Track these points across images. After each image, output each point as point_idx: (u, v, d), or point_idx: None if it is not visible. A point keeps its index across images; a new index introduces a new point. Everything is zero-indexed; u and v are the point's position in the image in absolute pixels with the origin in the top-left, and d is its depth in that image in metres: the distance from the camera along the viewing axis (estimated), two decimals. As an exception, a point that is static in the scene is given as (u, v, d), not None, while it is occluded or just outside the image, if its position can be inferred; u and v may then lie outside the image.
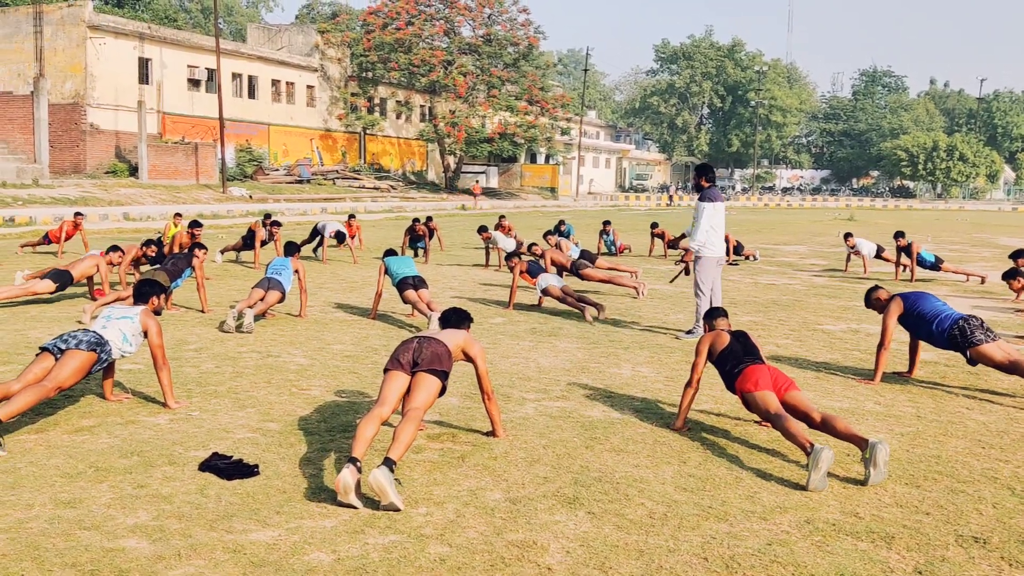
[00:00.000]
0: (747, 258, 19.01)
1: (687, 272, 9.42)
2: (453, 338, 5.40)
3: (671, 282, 11.00)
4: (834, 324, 10.66)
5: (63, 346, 5.73)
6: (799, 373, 7.77)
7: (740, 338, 5.92)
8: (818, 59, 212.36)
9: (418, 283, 10.06)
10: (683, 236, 19.17)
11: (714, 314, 6.34)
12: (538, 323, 10.26)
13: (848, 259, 17.43)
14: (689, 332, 9.46)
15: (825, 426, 5.20)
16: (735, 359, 5.73)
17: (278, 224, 16.36)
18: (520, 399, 6.64)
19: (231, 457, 5.05)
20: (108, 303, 9.59)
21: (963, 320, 7.13)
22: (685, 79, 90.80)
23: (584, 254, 14.89)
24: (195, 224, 14.02)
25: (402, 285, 10.03)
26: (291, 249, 10.70)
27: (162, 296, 6.67)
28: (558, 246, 15.60)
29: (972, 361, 7.14)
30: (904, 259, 15.84)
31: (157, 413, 6.05)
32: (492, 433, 5.66)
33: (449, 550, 3.92)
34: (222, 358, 7.92)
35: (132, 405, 6.23)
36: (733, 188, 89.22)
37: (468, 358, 5.52)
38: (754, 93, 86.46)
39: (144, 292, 6.49)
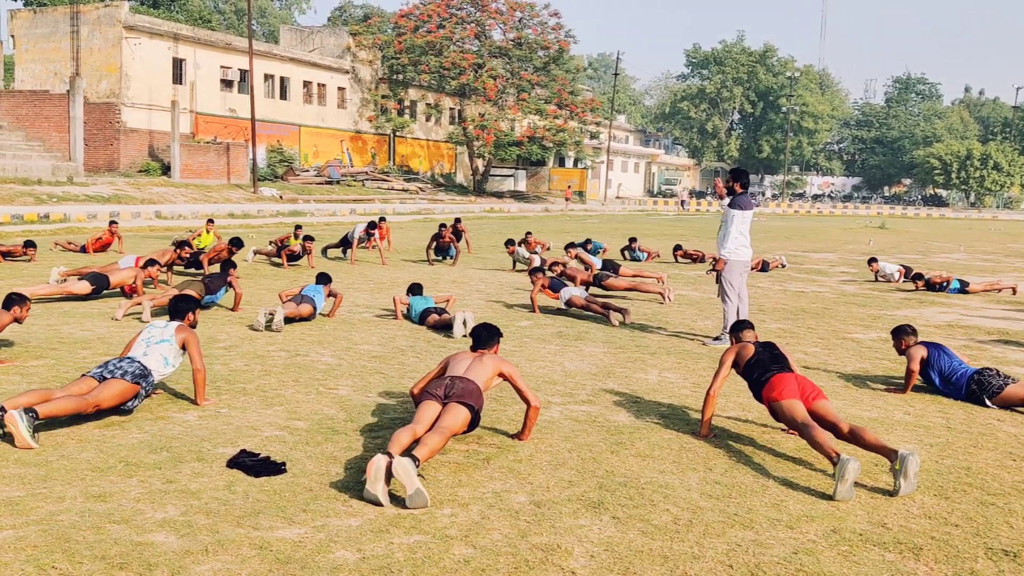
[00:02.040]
0: (776, 267, 18.84)
1: (721, 278, 9.38)
2: (483, 371, 5.52)
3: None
4: (863, 333, 10.56)
5: (108, 375, 5.81)
6: (828, 382, 7.71)
7: (768, 348, 5.89)
8: (851, 65, 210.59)
9: (440, 312, 10.07)
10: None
11: (740, 326, 6.34)
12: (565, 327, 10.26)
13: (876, 280, 17.11)
14: (717, 339, 9.42)
15: (853, 437, 5.16)
16: (762, 368, 5.70)
17: (311, 239, 16.24)
18: (546, 403, 6.64)
19: (259, 454, 5.10)
20: (139, 303, 9.72)
21: (977, 374, 7.13)
22: (716, 84, 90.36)
23: (607, 264, 14.85)
24: (235, 243, 13.92)
25: (424, 315, 10.04)
26: (324, 279, 10.66)
27: (198, 311, 6.78)
28: (577, 257, 15.59)
29: (1001, 407, 7.06)
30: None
31: (187, 410, 6.12)
32: (518, 436, 5.68)
33: (473, 552, 3.93)
34: (251, 356, 7.98)
35: (162, 401, 6.30)
36: (763, 194, 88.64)
37: (508, 381, 5.67)
38: (785, 99, 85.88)
39: (181, 309, 6.61)
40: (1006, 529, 4.39)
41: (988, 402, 7.00)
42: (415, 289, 10.67)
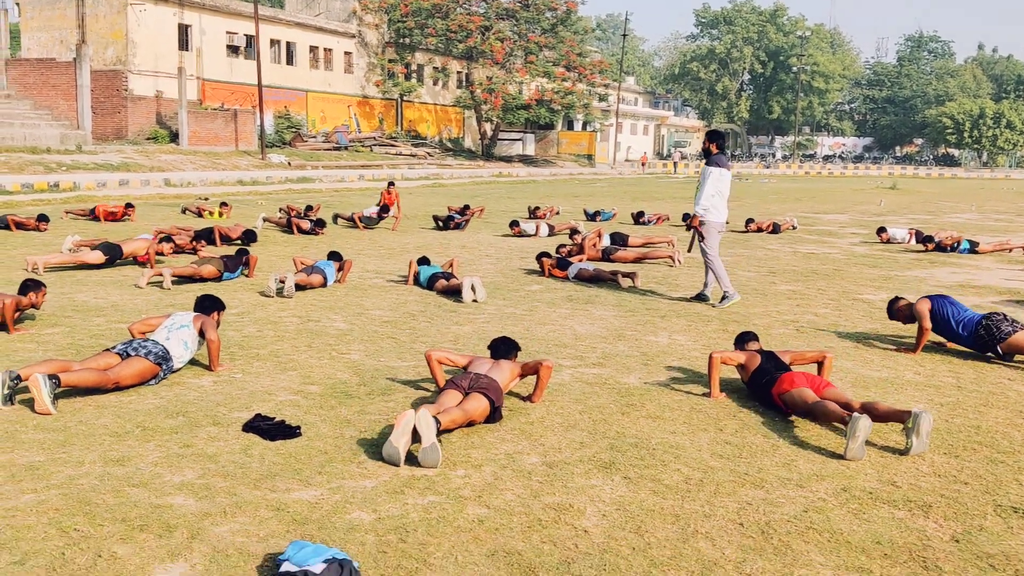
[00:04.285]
0: (787, 228, 18.74)
1: (702, 238, 9.40)
2: (503, 375, 5.57)
3: (689, 250, 10.93)
4: (874, 294, 10.55)
5: (131, 351, 5.86)
6: (838, 342, 7.72)
7: (771, 358, 5.90)
8: (862, 24, 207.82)
9: (447, 276, 10.07)
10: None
11: (745, 337, 6.35)
12: (575, 291, 10.27)
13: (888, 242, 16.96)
14: (724, 298, 9.43)
15: (866, 412, 5.16)
16: (767, 375, 5.72)
17: (322, 224, 16.07)
18: (557, 366, 6.67)
19: (274, 418, 5.16)
20: (160, 273, 9.76)
21: (986, 319, 7.15)
22: (726, 44, 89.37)
23: (615, 238, 14.74)
24: (249, 236, 13.81)
25: (432, 280, 10.05)
26: (335, 257, 10.67)
27: (221, 313, 6.82)
28: (583, 240, 15.40)
29: (1007, 356, 7.06)
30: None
31: (201, 375, 6.18)
32: (530, 398, 5.73)
33: (487, 511, 3.98)
34: (263, 322, 8.04)
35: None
36: (773, 156, 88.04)
37: (526, 374, 5.77)
38: (796, 59, 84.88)
39: (207, 307, 6.68)
40: (1015, 486, 4.42)
41: (997, 348, 7.01)
42: (422, 261, 10.71)
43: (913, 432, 4.80)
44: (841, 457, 4.75)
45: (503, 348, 5.94)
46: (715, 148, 9.34)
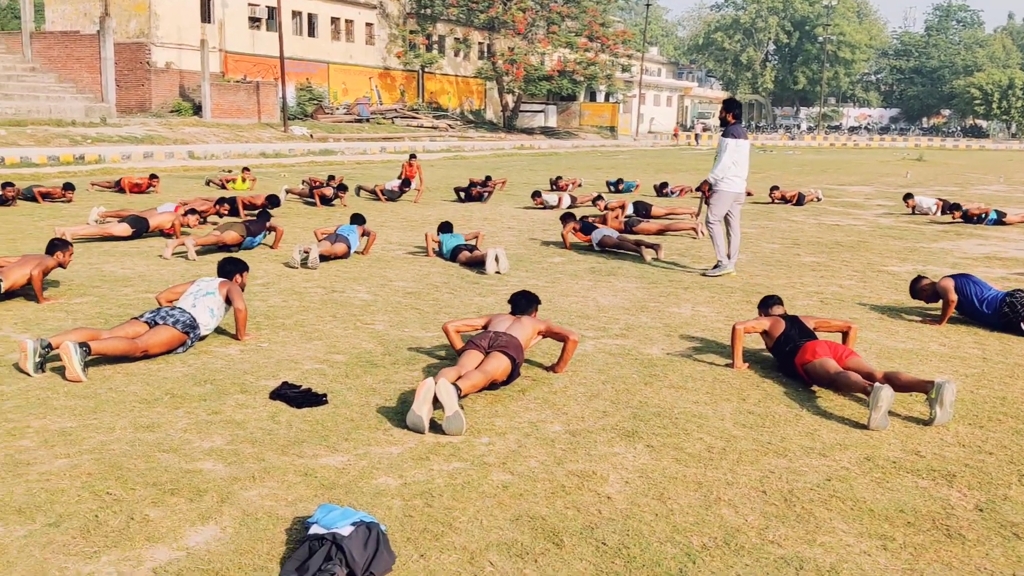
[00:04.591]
0: (811, 200, 18.59)
1: (707, 203, 9.40)
2: (523, 332, 5.60)
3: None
4: (899, 265, 10.47)
5: (159, 320, 5.93)
6: (862, 314, 7.69)
7: (795, 323, 5.88)
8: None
9: (470, 248, 10.09)
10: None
11: (769, 301, 6.32)
12: (597, 263, 10.27)
13: (913, 213, 16.84)
14: (716, 267, 9.46)
15: (888, 382, 5.15)
16: (791, 342, 5.70)
17: (344, 188, 16.19)
18: (580, 337, 6.69)
19: (300, 386, 5.22)
20: (183, 243, 9.85)
21: (1009, 296, 7.11)
22: (751, 14, 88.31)
23: (638, 208, 14.67)
24: (272, 200, 13.91)
25: (455, 252, 10.07)
26: (358, 220, 10.73)
27: (245, 274, 6.86)
28: (607, 209, 15.35)
29: None
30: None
31: (228, 344, 6.26)
32: (553, 368, 5.76)
33: (511, 477, 4.03)
34: (289, 293, 8.11)
35: (205, 337, 6.43)
36: (798, 127, 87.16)
37: (548, 335, 5.79)
38: (822, 29, 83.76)
39: (228, 271, 6.73)
40: (1040, 457, 4.41)
41: (1022, 325, 6.97)
42: (445, 227, 10.72)
43: (936, 402, 4.79)
44: (864, 427, 4.76)
45: (524, 302, 5.96)
46: (731, 118, 9.30)
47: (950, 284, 7.36)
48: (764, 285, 8.92)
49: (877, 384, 4.76)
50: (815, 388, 5.47)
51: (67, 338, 5.47)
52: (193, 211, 11.76)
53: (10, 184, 14.36)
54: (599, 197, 15.82)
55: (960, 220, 15.09)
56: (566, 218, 11.47)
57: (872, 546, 3.45)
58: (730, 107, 9.37)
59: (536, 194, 16.74)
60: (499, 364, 5.19)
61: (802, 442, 4.55)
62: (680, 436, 4.60)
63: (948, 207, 15.63)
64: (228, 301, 6.37)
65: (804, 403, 5.20)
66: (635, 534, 3.50)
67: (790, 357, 5.63)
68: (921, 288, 7.64)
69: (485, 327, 5.76)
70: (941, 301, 7.42)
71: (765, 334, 5.96)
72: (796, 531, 3.56)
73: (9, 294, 7.30)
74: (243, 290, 6.69)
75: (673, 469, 4.17)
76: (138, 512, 3.61)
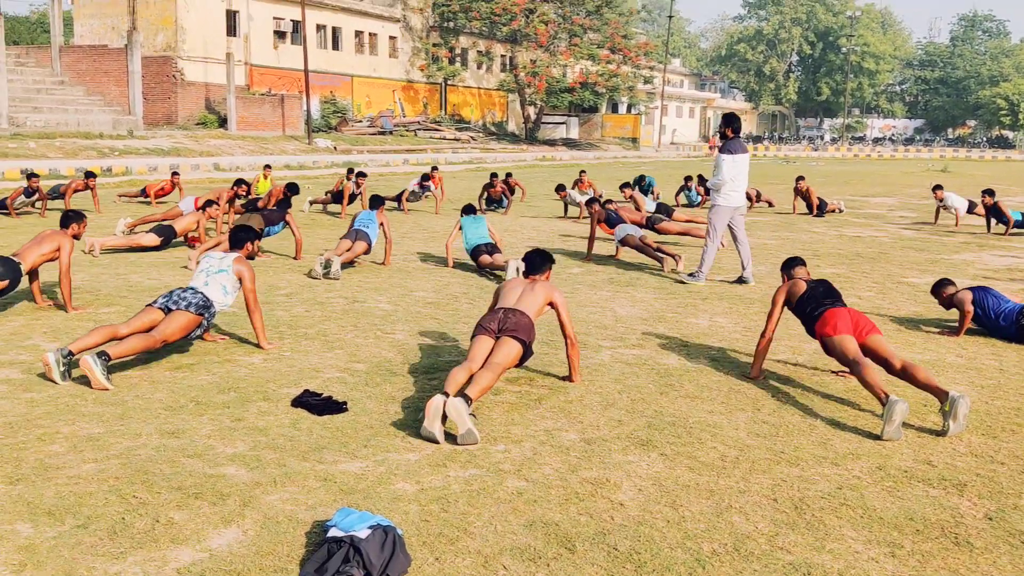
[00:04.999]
0: (833, 211, 18.61)
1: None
2: (534, 301, 5.62)
3: None
4: (919, 277, 10.47)
5: (172, 306, 6.06)
6: (880, 325, 7.64)
7: (821, 283, 5.92)
8: (914, 3, 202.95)
9: (491, 249, 10.20)
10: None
11: (792, 263, 6.34)
12: (616, 273, 10.34)
13: (937, 213, 16.90)
14: (692, 275, 9.70)
15: (905, 374, 5.19)
16: (815, 302, 5.72)
17: (363, 175, 16.67)
18: (596, 346, 6.78)
19: (321, 394, 5.33)
20: (209, 248, 10.03)
21: None
22: (774, 25, 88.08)
23: (660, 207, 14.81)
24: (292, 188, 14.16)
25: (475, 252, 10.19)
26: (376, 202, 10.95)
27: (256, 241, 6.97)
28: (632, 199, 15.53)
29: None
30: (994, 219, 15.32)
31: (252, 353, 6.38)
32: (568, 378, 5.83)
33: (526, 484, 4.11)
34: (311, 303, 8.24)
35: (228, 345, 6.57)
36: (822, 138, 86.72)
37: (554, 309, 5.75)
38: (846, 39, 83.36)
39: (239, 238, 6.80)
40: (1053, 467, 4.43)
41: None
42: (469, 210, 10.79)
43: (950, 416, 4.82)
44: (878, 437, 4.80)
45: (538, 262, 5.95)
46: (731, 132, 9.42)
47: (968, 296, 7.39)
48: (782, 296, 8.94)
49: (892, 398, 4.79)
50: (830, 399, 5.52)
51: (85, 343, 5.62)
52: (211, 202, 11.96)
53: (34, 175, 14.67)
54: (625, 184, 16.21)
55: (992, 206, 14.94)
56: (592, 203, 11.63)
57: (880, 553, 3.49)
58: (729, 122, 9.48)
59: (561, 188, 16.94)
60: (509, 352, 5.24)
61: (815, 451, 4.60)
62: (694, 445, 4.66)
63: (983, 191, 15.50)
64: (240, 281, 6.42)
65: (818, 413, 5.24)
66: (646, 540, 3.57)
67: (812, 321, 5.65)
68: (942, 293, 7.64)
69: (495, 306, 5.75)
70: (958, 312, 7.43)
71: (788, 300, 5.96)
72: (806, 538, 3.61)
73: (36, 305, 7.47)
74: (252, 258, 6.77)
75: (686, 477, 4.23)
76: (163, 515, 3.72)
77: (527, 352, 5.39)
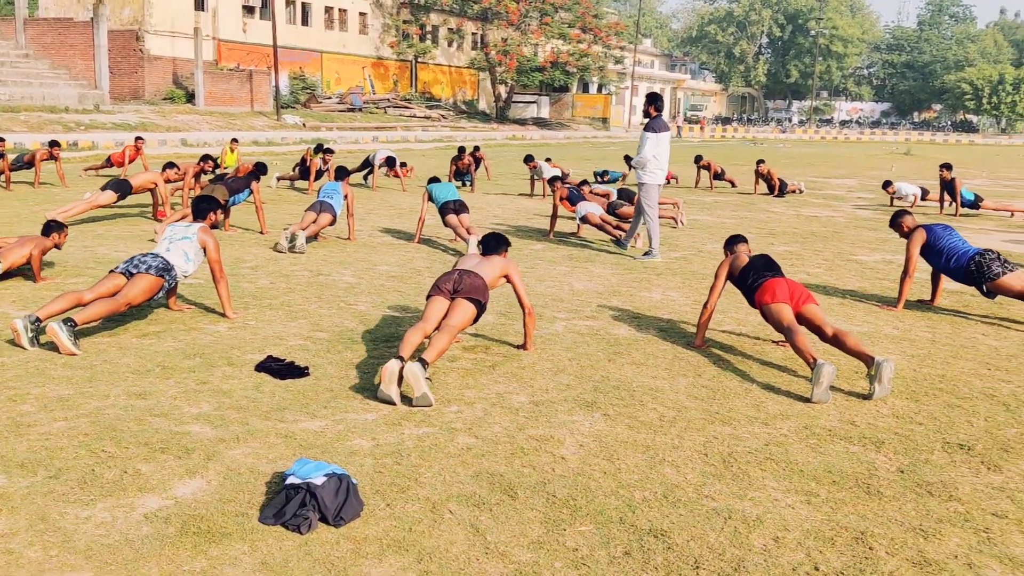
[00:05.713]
0: (793, 192, 19.00)
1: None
2: (491, 269, 5.87)
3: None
4: (868, 255, 10.85)
5: (133, 270, 6.24)
6: (825, 299, 8.05)
7: (761, 257, 6.23)
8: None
9: (459, 207, 10.44)
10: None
11: (734, 240, 6.65)
12: (576, 250, 10.62)
13: (891, 203, 17.26)
14: (646, 254, 10.02)
15: (836, 341, 5.52)
16: (755, 274, 6.04)
17: (331, 151, 16.83)
18: (552, 318, 7.05)
19: (284, 360, 5.56)
20: (175, 220, 10.16)
21: (979, 255, 7.36)
22: (744, 7, 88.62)
23: (622, 193, 15.04)
24: (260, 168, 14.23)
25: (444, 209, 10.43)
26: (341, 174, 11.15)
27: (219, 212, 7.15)
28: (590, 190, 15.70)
29: (990, 294, 7.37)
30: (947, 195, 15.75)
31: (217, 322, 6.59)
32: (523, 346, 6.10)
33: (475, 441, 4.38)
34: (276, 275, 8.44)
35: (194, 315, 6.77)
36: (790, 120, 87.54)
37: (510, 282, 6.01)
38: (815, 22, 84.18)
39: (203, 208, 6.99)
40: (965, 427, 4.78)
41: (983, 287, 7.29)
42: (435, 179, 11.14)
43: (876, 379, 5.15)
44: (808, 400, 5.12)
45: (494, 243, 6.22)
46: (653, 111, 9.79)
47: (918, 244, 7.61)
48: (734, 272, 9.27)
49: (820, 361, 5.11)
50: (766, 363, 5.84)
51: (51, 310, 5.81)
52: (172, 164, 12.09)
53: (1, 139, 14.68)
54: (584, 183, 16.16)
55: (949, 180, 15.34)
56: (554, 180, 11.88)
57: (797, 500, 3.81)
58: (652, 100, 9.89)
59: (529, 158, 17.01)
60: (464, 314, 5.46)
61: (748, 412, 4.91)
62: (635, 406, 4.96)
63: (941, 165, 15.88)
64: (204, 250, 6.61)
65: (755, 378, 5.56)
66: (583, 488, 3.86)
67: (752, 291, 5.97)
68: (902, 224, 7.92)
69: (453, 268, 5.95)
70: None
71: (730, 273, 6.28)
72: (730, 487, 3.92)
73: (7, 274, 7.62)
74: (216, 228, 6.97)
75: (625, 435, 4.52)
76: (131, 467, 3.95)
77: (481, 311, 5.61)
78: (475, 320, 5.59)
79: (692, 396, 5.17)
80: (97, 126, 28.20)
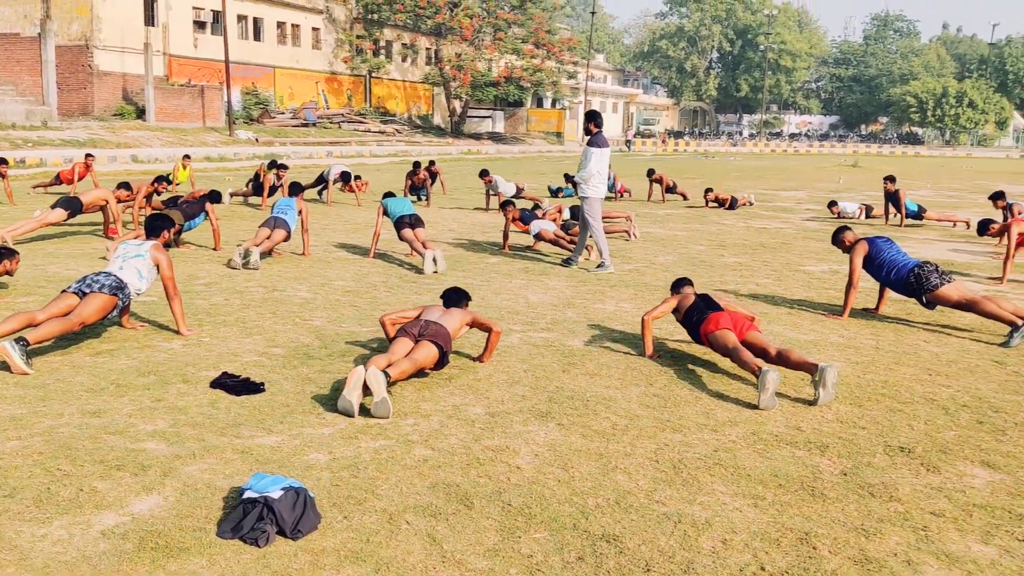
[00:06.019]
0: (744, 205, 19.32)
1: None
2: (453, 321, 5.99)
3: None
4: (815, 265, 11.10)
5: (86, 289, 6.22)
6: (772, 309, 8.24)
7: (704, 298, 6.41)
8: (829, 3, 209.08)
9: (415, 221, 10.50)
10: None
11: (681, 283, 6.83)
12: (531, 263, 10.73)
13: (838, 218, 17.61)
14: (600, 266, 10.18)
15: (780, 359, 5.68)
16: (699, 312, 6.22)
17: (284, 167, 16.80)
18: (507, 331, 7.13)
19: (239, 376, 5.57)
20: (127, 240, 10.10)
21: (918, 267, 7.61)
22: (695, 22, 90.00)
23: (574, 212, 15.19)
24: (214, 197, 14.15)
25: (399, 224, 10.48)
26: (295, 189, 11.16)
27: (172, 230, 7.14)
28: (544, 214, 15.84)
29: (930, 304, 7.60)
30: (892, 206, 16.14)
31: (171, 339, 6.57)
32: (480, 358, 6.18)
33: (432, 453, 4.44)
34: (230, 292, 8.42)
35: (148, 332, 6.75)
36: (740, 134, 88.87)
37: (475, 326, 6.19)
38: (764, 37, 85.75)
39: (155, 226, 6.99)
40: (906, 430, 4.95)
41: (923, 298, 7.52)
42: (389, 194, 11.20)
43: (820, 384, 5.31)
44: (756, 407, 5.26)
45: (455, 297, 6.35)
46: (594, 127, 9.98)
47: (861, 251, 7.83)
48: (686, 283, 9.45)
49: (765, 368, 5.27)
50: (717, 372, 5.98)
51: (3, 331, 5.76)
52: (126, 184, 11.99)
53: None
54: (537, 206, 16.28)
55: (893, 192, 15.74)
56: (506, 205, 11.94)
57: (744, 504, 3.93)
58: (591, 117, 10.07)
59: (485, 172, 17.07)
60: (428, 353, 5.58)
61: (698, 420, 5.04)
62: (589, 416, 5.06)
63: (886, 177, 16.32)
64: (157, 267, 6.60)
65: (705, 386, 5.69)
66: (538, 496, 3.94)
67: (696, 326, 6.14)
68: (843, 240, 8.16)
69: (418, 317, 6.15)
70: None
71: (676, 311, 6.45)
72: (680, 492, 4.03)
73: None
74: (169, 247, 6.95)
75: (579, 443, 4.62)
76: (87, 485, 3.95)
77: (443, 359, 5.69)
78: (437, 366, 5.67)
79: (644, 405, 5.29)
80: (45, 143, 27.78)
